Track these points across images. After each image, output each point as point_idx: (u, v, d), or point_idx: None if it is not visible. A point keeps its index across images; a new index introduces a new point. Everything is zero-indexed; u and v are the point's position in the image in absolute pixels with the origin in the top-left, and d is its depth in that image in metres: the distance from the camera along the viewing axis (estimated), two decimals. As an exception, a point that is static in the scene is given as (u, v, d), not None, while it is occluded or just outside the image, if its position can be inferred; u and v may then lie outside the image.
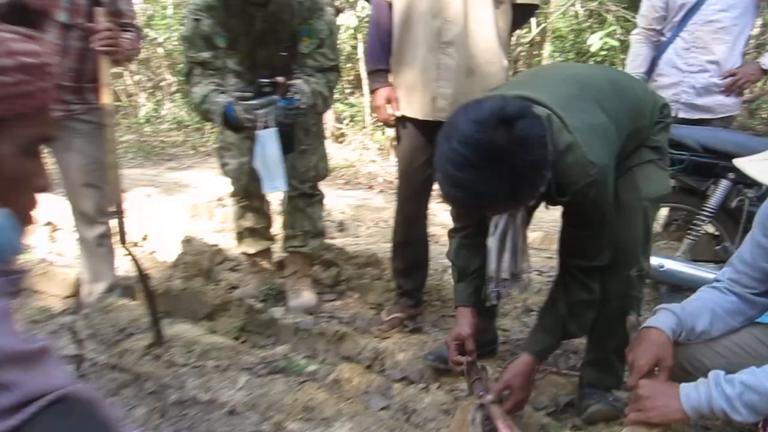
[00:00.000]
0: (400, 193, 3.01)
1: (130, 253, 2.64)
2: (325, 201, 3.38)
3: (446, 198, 1.73)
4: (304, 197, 3.19)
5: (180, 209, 5.27)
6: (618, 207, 2.04)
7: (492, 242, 2.02)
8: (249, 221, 3.31)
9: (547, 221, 4.53)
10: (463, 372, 2.16)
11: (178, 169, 9.34)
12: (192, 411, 2.45)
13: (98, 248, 3.14)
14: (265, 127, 2.68)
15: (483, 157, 1.52)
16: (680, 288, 3.14)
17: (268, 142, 2.72)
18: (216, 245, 4.03)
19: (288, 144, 2.82)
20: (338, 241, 4.81)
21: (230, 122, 2.74)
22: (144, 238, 4.70)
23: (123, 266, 3.94)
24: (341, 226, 5.28)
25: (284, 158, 2.76)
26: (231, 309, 3.16)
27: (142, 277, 2.60)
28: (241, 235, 3.35)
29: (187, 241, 3.88)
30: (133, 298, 3.32)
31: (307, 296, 3.20)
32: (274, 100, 2.68)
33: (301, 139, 3.03)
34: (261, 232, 3.36)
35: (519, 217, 2.00)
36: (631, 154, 2.09)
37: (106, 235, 3.15)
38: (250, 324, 3.09)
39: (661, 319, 1.80)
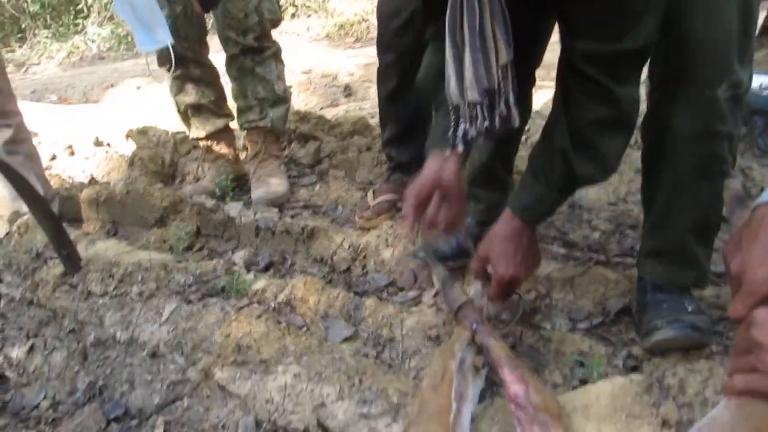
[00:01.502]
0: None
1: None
2: (285, 55, 2.53)
3: None
4: (250, 53, 2.37)
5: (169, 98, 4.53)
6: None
7: (449, 44, 1.18)
8: (190, 96, 2.54)
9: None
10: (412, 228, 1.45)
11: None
12: (112, 353, 1.88)
13: (10, 157, 2.49)
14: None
15: None
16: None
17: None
18: (181, 132, 3.30)
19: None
20: (342, 108, 3.97)
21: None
22: (128, 136, 4.04)
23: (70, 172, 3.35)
24: (348, 91, 4.41)
25: None
26: (184, 210, 2.49)
27: (28, 195, 1.92)
28: (186, 116, 2.60)
29: (142, 133, 3.18)
30: (77, 210, 2.73)
31: (273, 184, 2.47)
32: None
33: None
34: (210, 109, 2.59)
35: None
36: None
37: (15, 140, 2.49)
38: (204, 227, 2.43)
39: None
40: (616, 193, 2.25)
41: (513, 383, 1.15)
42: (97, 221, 2.66)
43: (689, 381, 1.23)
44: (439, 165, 1.35)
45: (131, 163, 3.08)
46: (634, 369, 1.37)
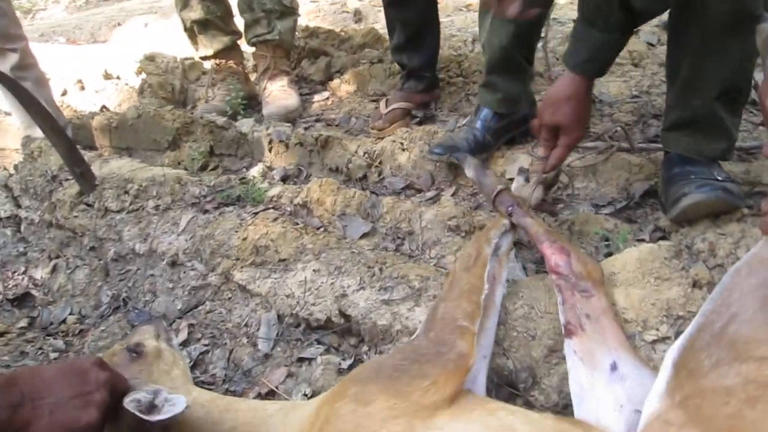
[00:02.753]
0: None
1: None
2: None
3: None
4: (254, -38, 2.26)
5: (177, 31, 4.43)
6: None
7: None
8: (195, 11, 2.46)
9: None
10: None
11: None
12: (133, 266, 1.88)
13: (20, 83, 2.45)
14: None
15: None
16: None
17: None
18: (190, 58, 3.23)
19: None
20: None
21: None
22: (138, 71, 3.97)
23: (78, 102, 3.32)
24: (358, 16, 4.27)
25: None
26: (196, 131, 2.46)
27: (40, 115, 1.89)
28: (192, 33, 2.52)
29: (150, 60, 3.11)
30: (90, 138, 2.71)
31: (285, 98, 2.41)
32: None
33: None
34: (216, 25, 2.51)
35: None
36: None
37: (23, 66, 2.45)
38: (217, 146, 2.39)
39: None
40: (638, 86, 2.15)
41: (553, 254, 1.14)
42: (110, 148, 2.64)
43: (720, 244, 1.19)
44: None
45: (141, 91, 3.03)
46: (662, 240, 1.33)
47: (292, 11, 2.44)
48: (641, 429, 0.84)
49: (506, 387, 1.15)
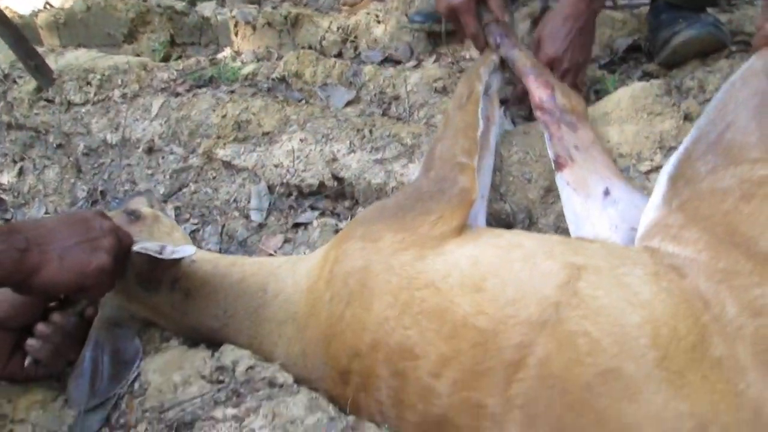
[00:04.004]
0: None
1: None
2: None
3: None
4: None
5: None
6: None
7: None
8: None
9: None
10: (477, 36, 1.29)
11: None
12: (106, 158, 1.82)
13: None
14: None
15: None
16: None
17: None
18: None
19: None
20: None
21: None
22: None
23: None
24: None
25: None
26: (153, 21, 2.31)
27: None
28: None
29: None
30: (36, 38, 2.52)
31: (246, -20, 2.27)
32: None
33: None
34: None
35: None
36: None
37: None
38: (178, 35, 2.27)
39: None
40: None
41: (537, 89, 1.12)
42: (60, 47, 2.47)
43: (709, 80, 1.20)
44: None
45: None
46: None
47: None
48: (640, 235, 0.87)
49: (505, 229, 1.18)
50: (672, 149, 1.12)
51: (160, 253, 0.86)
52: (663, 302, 0.69)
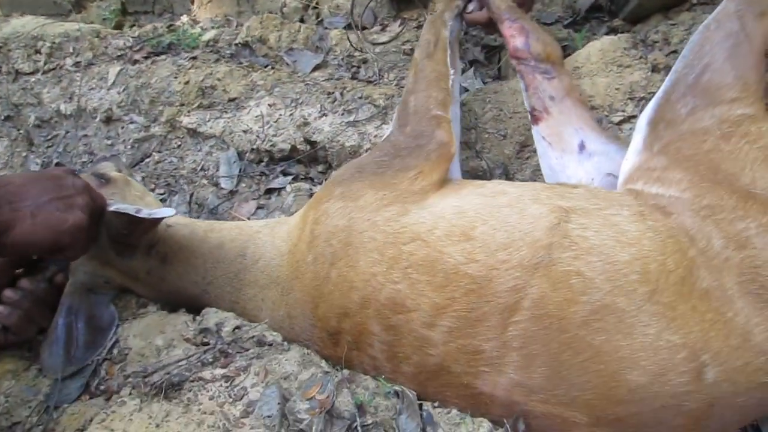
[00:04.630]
0: None
1: None
2: None
3: None
4: None
5: None
6: None
7: None
8: None
9: None
10: None
11: None
12: (60, 130, 1.73)
13: None
14: None
15: None
16: None
17: None
18: None
19: None
20: None
21: None
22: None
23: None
24: None
25: None
26: (102, -12, 2.20)
27: None
28: None
29: None
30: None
31: (200, -55, 2.18)
32: None
33: None
34: None
35: None
36: None
37: None
38: (129, 3, 2.17)
39: None
40: None
41: (512, 37, 1.09)
42: (2, 16, 2.34)
43: (673, 32, 1.23)
44: None
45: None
46: (617, 36, 1.36)
47: None
48: (622, 180, 0.89)
49: (482, 186, 1.18)
50: (642, 99, 1.15)
51: (138, 214, 0.83)
52: (650, 239, 0.71)
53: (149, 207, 1.03)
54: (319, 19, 1.89)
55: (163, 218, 0.85)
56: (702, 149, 0.81)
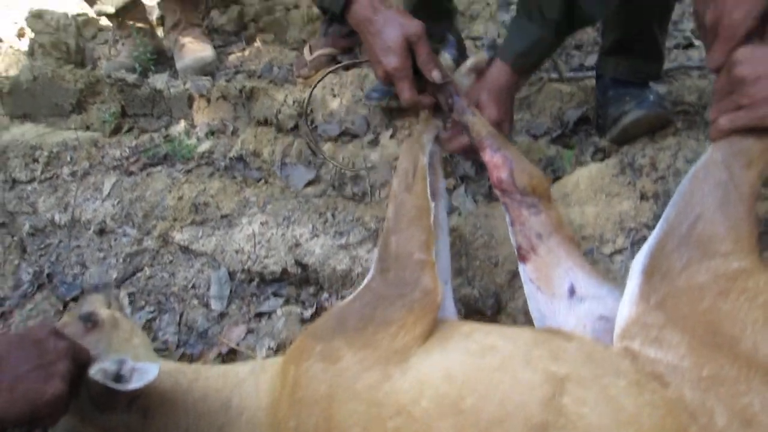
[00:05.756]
0: None
1: None
2: None
3: None
4: None
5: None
6: None
7: None
8: (90, -36, 2.22)
9: None
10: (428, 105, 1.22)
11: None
12: (54, 239, 1.73)
13: None
14: None
15: None
16: None
17: None
18: (83, 14, 2.95)
19: None
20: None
21: None
22: (20, 35, 3.57)
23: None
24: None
25: None
26: (103, 91, 2.26)
27: None
28: (89, -8, 2.29)
29: (37, 17, 2.80)
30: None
31: (199, 50, 2.26)
32: None
33: None
34: (115, -24, 2.28)
35: None
36: None
37: None
38: (129, 106, 2.22)
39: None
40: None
41: (495, 167, 1.07)
42: (4, 117, 2.39)
43: (660, 157, 1.24)
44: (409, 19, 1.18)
45: (31, 52, 2.74)
46: (604, 160, 1.38)
47: (201, -43, 2.27)
48: (618, 333, 0.87)
49: (474, 314, 1.17)
50: (632, 230, 1.15)
51: (119, 381, 0.81)
52: (649, 416, 0.68)
53: (136, 351, 1.01)
54: (314, 125, 1.93)
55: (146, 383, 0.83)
56: (700, 308, 0.79)
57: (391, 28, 1.13)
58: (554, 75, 1.75)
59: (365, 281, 1.01)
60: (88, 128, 2.21)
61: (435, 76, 1.14)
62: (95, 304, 1.10)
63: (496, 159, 1.07)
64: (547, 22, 1.19)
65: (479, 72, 1.27)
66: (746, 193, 0.88)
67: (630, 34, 1.36)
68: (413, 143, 1.15)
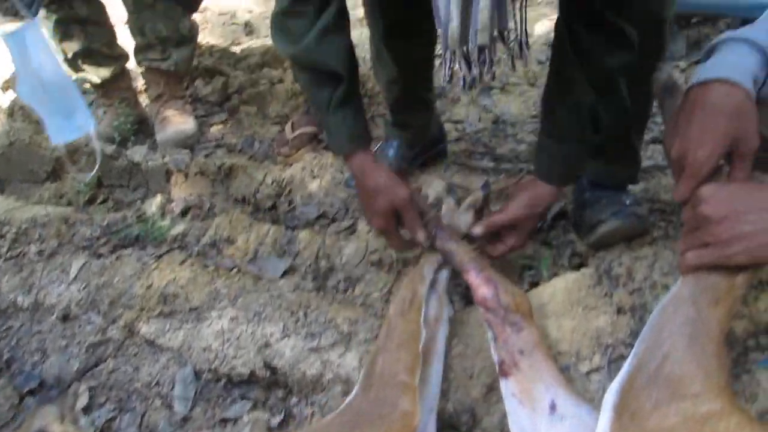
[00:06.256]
0: None
1: None
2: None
3: None
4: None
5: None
6: None
7: None
8: (78, 41, 2.22)
9: None
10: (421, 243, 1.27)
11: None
12: (15, 322, 1.66)
13: None
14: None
15: None
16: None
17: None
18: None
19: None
20: (245, 45, 3.69)
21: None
22: (5, 87, 3.55)
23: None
24: (249, 28, 4.11)
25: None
26: (80, 161, 2.24)
27: None
28: (75, 63, 2.28)
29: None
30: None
31: (181, 123, 2.26)
32: None
33: None
34: (102, 53, 2.29)
35: None
36: None
37: None
38: (106, 176, 2.19)
39: (733, 63, 0.93)
40: (536, 106, 2.23)
41: (480, 286, 1.11)
42: (-23, 181, 2.34)
43: (636, 268, 1.24)
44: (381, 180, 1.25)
45: (11, 113, 2.71)
46: (581, 266, 1.37)
47: (190, 39, 2.28)
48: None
49: (448, 430, 1.13)
50: (609, 347, 1.13)
51: None
52: None
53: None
54: (292, 206, 1.91)
55: None
56: (670, 453, 0.77)
57: (380, 196, 1.23)
58: (531, 167, 1.75)
59: (348, 399, 1.02)
60: (61, 197, 2.18)
61: (420, 237, 1.23)
62: (48, 418, 1.05)
63: (480, 280, 1.12)
64: (582, 140, 1.22)
65: (477, 210, 1.34)
66: (715, 331, 0.87)
67: (608, 139, 1.37)
68: (415, 273, 1.21)
